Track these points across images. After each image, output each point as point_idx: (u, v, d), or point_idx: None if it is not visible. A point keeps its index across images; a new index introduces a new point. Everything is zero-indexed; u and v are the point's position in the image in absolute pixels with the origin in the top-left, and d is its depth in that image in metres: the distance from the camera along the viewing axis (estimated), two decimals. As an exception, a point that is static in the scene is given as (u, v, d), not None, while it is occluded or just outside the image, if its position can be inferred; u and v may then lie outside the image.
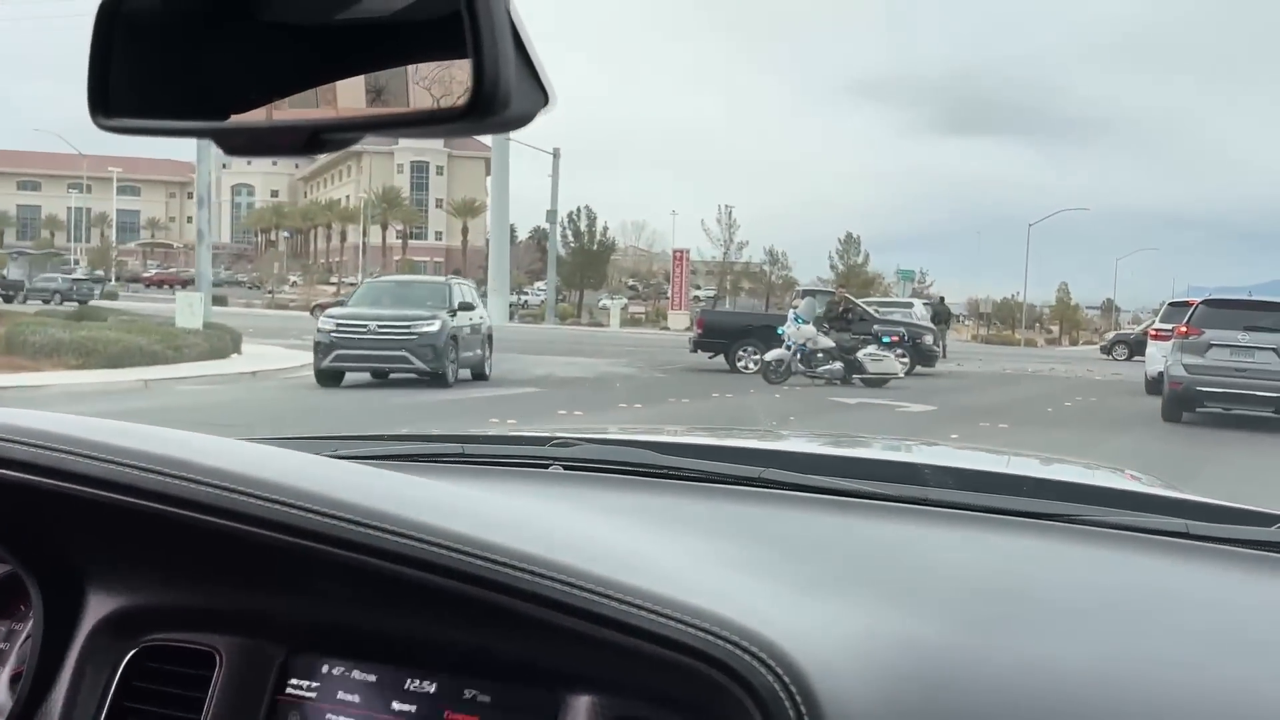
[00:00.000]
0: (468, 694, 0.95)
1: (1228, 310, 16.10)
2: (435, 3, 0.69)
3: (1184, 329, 15.87)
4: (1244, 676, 0.93)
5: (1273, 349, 15.29)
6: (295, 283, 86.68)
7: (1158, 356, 18.59)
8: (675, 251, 63.52)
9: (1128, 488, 1.77)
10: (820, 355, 20.13)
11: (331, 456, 1.36)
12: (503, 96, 0.66)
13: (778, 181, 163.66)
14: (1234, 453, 13.05)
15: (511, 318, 62.13)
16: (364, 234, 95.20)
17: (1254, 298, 18.72)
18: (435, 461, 1.58)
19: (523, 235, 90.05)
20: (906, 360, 23.95)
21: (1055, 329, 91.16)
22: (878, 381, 19.80)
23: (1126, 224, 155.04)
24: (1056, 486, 1.62)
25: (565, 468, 1.55)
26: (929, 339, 24.79)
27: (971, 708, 0.84)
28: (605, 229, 71.86)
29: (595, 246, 71.28)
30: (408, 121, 0.72)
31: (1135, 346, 41.76)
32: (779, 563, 1.10)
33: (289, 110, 0.76)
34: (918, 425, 14.20)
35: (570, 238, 71.33)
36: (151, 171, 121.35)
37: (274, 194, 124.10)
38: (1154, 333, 20.99)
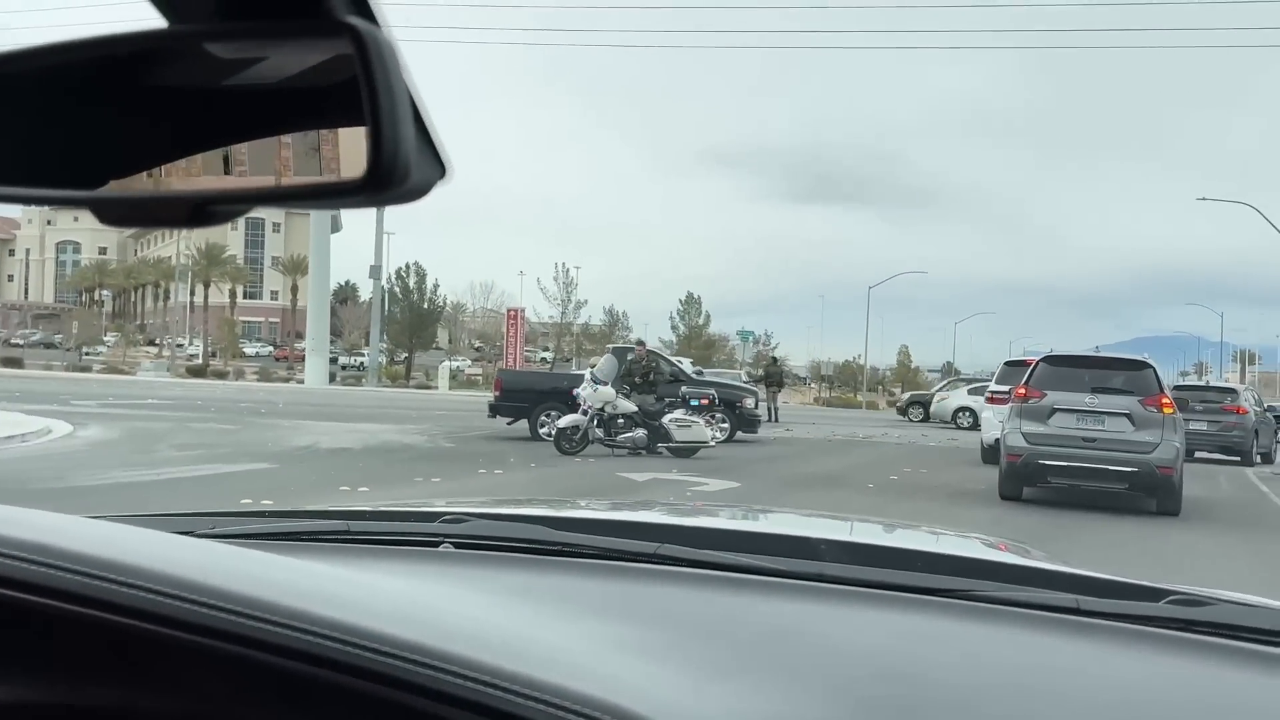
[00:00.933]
0: None
1: (1072, 369, 13.74)
2: (329, 70, 0.66)
3: (1023, 390, 13.58)
4: None
5: (1125, 414, 12.97)
6: (109, 344, 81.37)
7: (994, 422, 16.45)
8: (509, 311, 60.69)
9: (1019, 563, 1.76)
10: (621, 421, 17.52)
11: (207, 535, 1.38)
12: (402, 169, 0.63)
13: (630, 246, 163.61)
14: (1087, 537, 10.82)
15: (333, 380, 58.51)
16: (190, 293, 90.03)
17: (1102, 354, 16.16)
18: (319, 540, 1.53)
19: (366, 295, 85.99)
20: (726, 426, 21.67)
21: (898, 391, 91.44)
22: (686, 451, 17.24)
23: (965, 289, 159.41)
24: (949, 561, 1.70)
25: (455, 545, 1.52)
26: (750, 402, 22.44)
27: None
28: (436, 287, 68.66)
29: (425, 305, 67.88)
30: (300, 194, 0.69)
31: (928, 407, 41.44)
32: (675, 645, 1.09)
33: (172, 180, 0.71)
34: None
35: (399, 296, 67.88)
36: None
37: (102, 251, 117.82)
38: (990, 396, 18.91)
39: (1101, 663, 1.19)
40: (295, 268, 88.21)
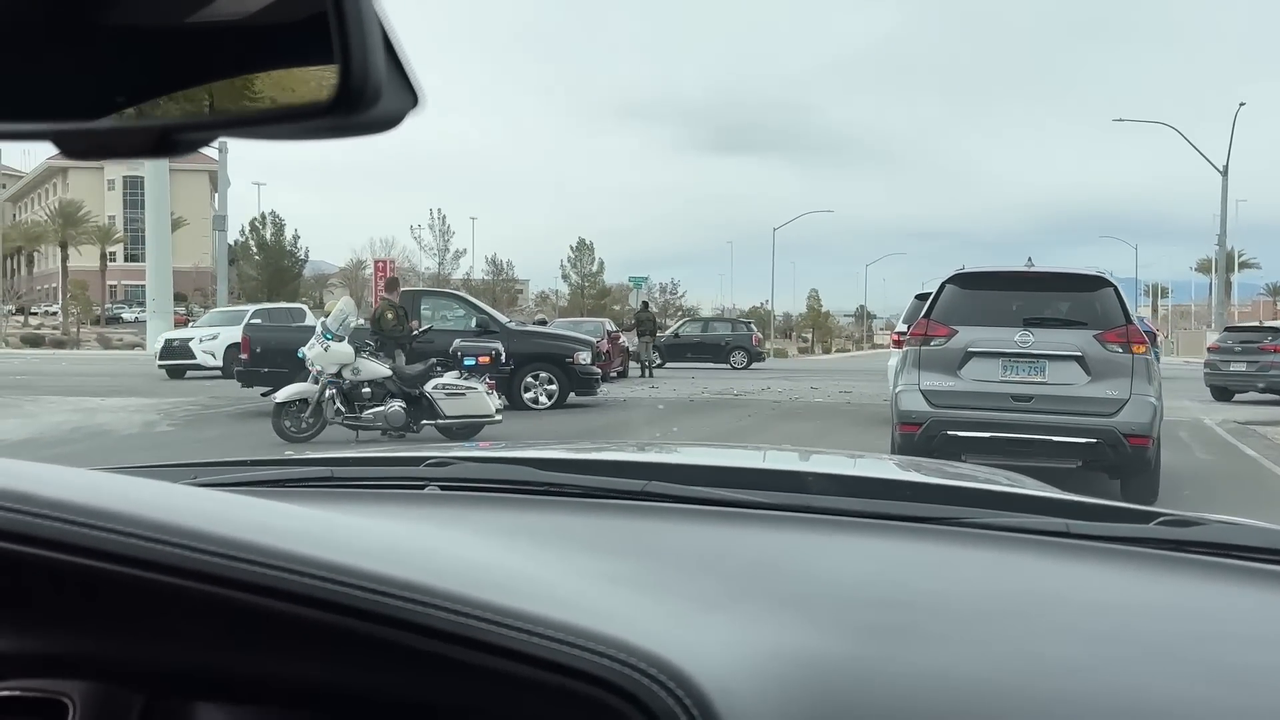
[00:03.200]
0: None
1: (995, 291, 9.13)
2: (298, 5, 0.65)
3: (921, 327, 9.11)
4: (1132, 678, 0.94)
5: (1075, 357, 8.56)
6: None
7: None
8: (376, 263, 54.93)
9: (1008, 490, 1.74)
10: (368, 391, 12.44)
11: (190, 484, 1.32)
12: (371, 92, 0.62)
13: (542, 202, 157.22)
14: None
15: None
16: (63, 258, 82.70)
17: (1036, 269, 10.06)
18: (302, 486, 1.50)
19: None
20: (554, 389, 16.75)
21: (809, 337, 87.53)
22: (461, 430, 12.25)
23: (876, 235, 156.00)
24: (938, 490, 1.70)
25: (442, 488, 1.49)
26: (584, 357, 17.43)
27: (869, 718, 0.83)
28: (296, 239, 62.31)
29: (285, 260, 61.54)
30: (266, 119, 0.67)
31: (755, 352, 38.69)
32: (669, 579, 1.08)
33: (137, 111, 0.71)
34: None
35: (254, 250, 61.59)
36: None
37: None
38: (896, 338, 14.06)
39: (1094, 583, 1.19)
40: (174, 226, 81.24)
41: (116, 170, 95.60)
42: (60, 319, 71.01)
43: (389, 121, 0.64)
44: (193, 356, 25.67)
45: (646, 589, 1.01)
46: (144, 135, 0.68)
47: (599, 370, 18.14)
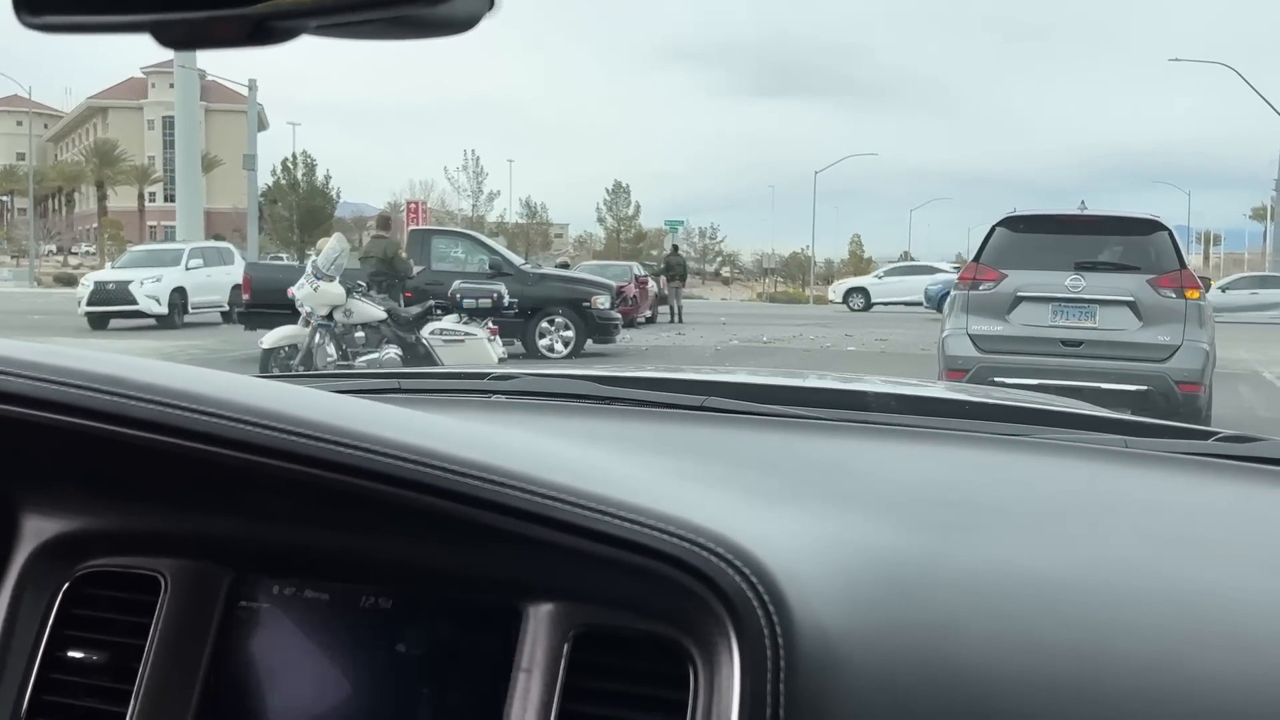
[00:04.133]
0: (425, 608, 0.93)
1: (1046, 235, 8.71)
2: None
3: (971, 271, 8.94)
4: (1192, 572, 0.94)
5: (1127, 302, 8.27)
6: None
7: None
8: (409, 203, 54.20)
9: (1066, 409, 1.71)
10: (361, 335, 11.60)
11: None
12: None
13: (585, 148, 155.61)
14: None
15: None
16: (100, 198, 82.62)
17: (1088, 212, 9.18)
18: (371, 394, 1.45)
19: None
20: (570, 335, 15.90)
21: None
22: (461, 378, 11.41)
23: (922, 180, 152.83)
24: (996, 409, 1.66)
25: (507, 398, 1.52)
26: (602, 301, 16.50)
27: (931, 606, 0.84)
28: (328, 179, 61.47)
29: (317, 200, 60.81)
30: (358, 5, 0.67)
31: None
32: (731, 477, 1.09)
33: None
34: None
35: (286, 190, 60.94)
36: None
37: (20, 157, 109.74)
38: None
39: (1154, 488, 1.20)
40: (206, 167, 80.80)
41: (156, 110, 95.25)
42: (98, 259, 70.98)
43: (468, 21, 0.66)
44: (132, 301, 22.46)
45: (712, 484, 1.03)
46: (239, 24, 0.68)
47: (619, 315, 17.20)
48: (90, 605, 1.02)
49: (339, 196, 64.01)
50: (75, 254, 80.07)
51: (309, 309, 11.33)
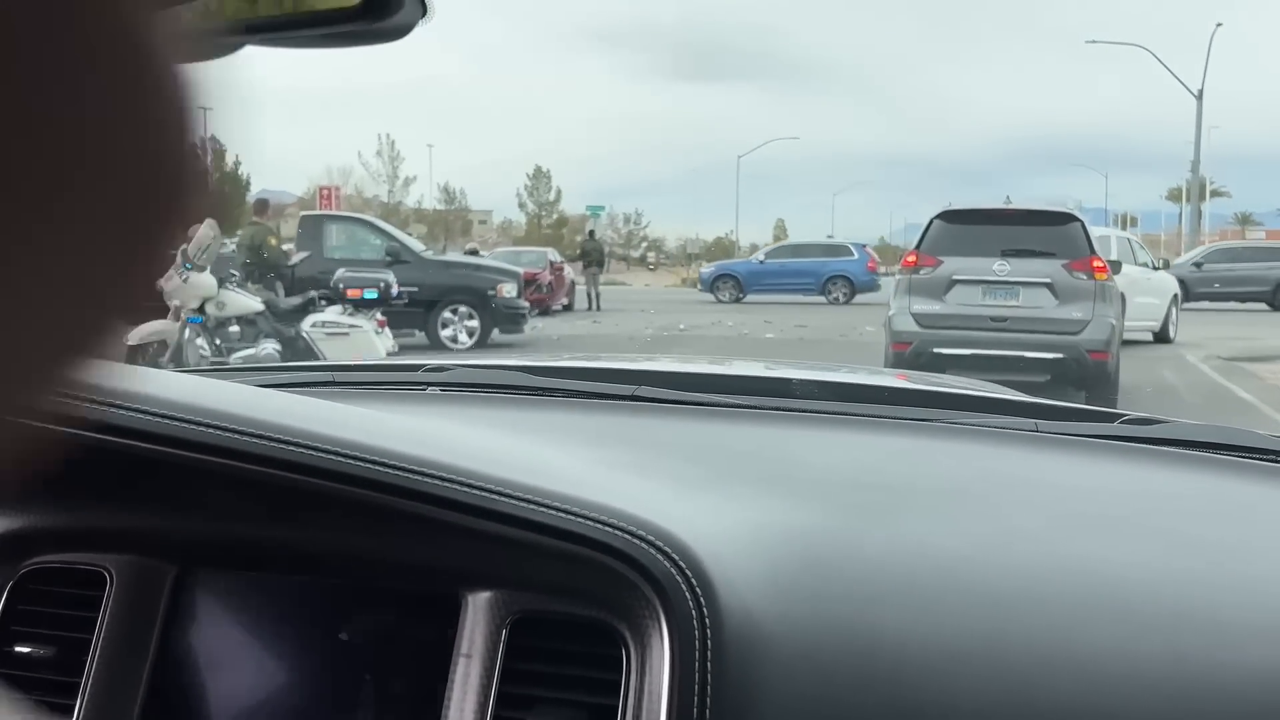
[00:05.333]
0: (367, 597, 0.95)
1: (977, 227, 10.29)
2: None
3: (912, 258, 10.49)
4: (1090, 547, 0.98)
5: (1045, 283, 9.81)
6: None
7: None
8: (321, 190, 52.67)
9: (981, 394, 1.78)
10: (236, 330, 10.69)
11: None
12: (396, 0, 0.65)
13: (505, 132, 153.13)
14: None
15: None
16: None
17: (1013, 207, 11.30)
18: (306, 388, 1.47)
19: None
20: (475, 325, 15.09)
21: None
22: (346, 375, 10.54)
23: (844, 164, 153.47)
24: (915, 394, 1.75)
25: (442, 390, 1.54)
26: (508, 289, 15.68)
27: (848, 583, 0.88)
28: (237, 164, 59.67)
29: (226, 186, 58.92)
30: (295, 24, 0.70)
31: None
32: (661, 465, 1.12)
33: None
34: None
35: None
36: None
37: None
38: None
39: (1059, 469, 1.24)
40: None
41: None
42: None
43: (402, 30, 0.67)
44: None
45: (641, 473, 1.06)
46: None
47: (526, 304, 16.37)
48: (37, 601, 1.03)
49: (249, 183, 62.26)
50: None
51: (178, 302, 10.39)
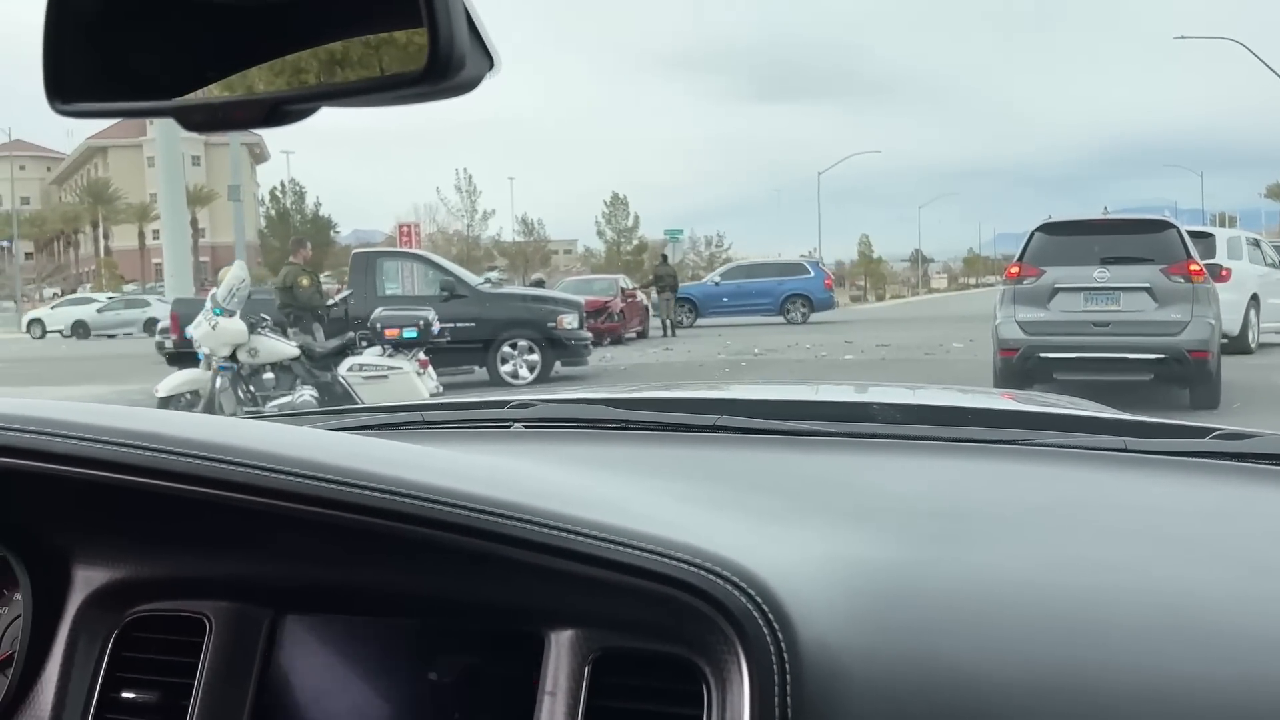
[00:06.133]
0: (452, 637, 0.97)
1: (1076, 237, 10.74)
2: None
3: (1015, 268, 10.90)
4: (1183, 574, 0.96)
5: (1144, 288, 10.16)
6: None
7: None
8: (400, 227, 52.83)
9: (1067, 412, 1.76)
10: (270, 377, 10.10)
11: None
12: (457, 60, 0.67)
13: (590, 162, 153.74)
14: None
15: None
16: (103, 236, 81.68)
17: (1111, 216, 12.64)
18: (396, 429, 1.56)
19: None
20: (535, 359, 14.46)
21: (862, 284, 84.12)
22: (388, 420, 9.86)
23: (929, 177, 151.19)
24: (999, 415, 1.71)
25: (526, 426, 1.55)
26: (570, 320, 14.98)
27: (925, 615, 0.87)
28: (318, 207, 60.22)
29: (307, 227, 59.28)
30: (366, 89, 0.73)
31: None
32: (738, 498, 1.13)
33: (248, 83, 0.76)
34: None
35: (276, 220, 59.64)
36: None
37: (24, 200, 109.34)
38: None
39: (1148, 491, 1.21)
40: (198, 200, 79.58)
41: (155, 148, 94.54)
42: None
43: (470, 85, 0.69)
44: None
45: (716, 507, 1.06)
46: (256, 107, 0.72)
47: (588, 335, 15.62)
48: (141, 648, 1.07)
49: (335, 224, 62.71)
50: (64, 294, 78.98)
51: (208, 349, 9.86)
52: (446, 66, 0.66)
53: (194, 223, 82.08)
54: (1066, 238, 10.77)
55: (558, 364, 14.81)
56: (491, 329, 14.46)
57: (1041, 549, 1.00)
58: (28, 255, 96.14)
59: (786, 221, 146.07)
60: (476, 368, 14.83)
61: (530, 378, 14.39)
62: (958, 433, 1.41)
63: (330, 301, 12.02)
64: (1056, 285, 10.39)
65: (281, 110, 0.71)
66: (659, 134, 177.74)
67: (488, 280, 17.73)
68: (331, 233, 64.37)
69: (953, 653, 0.83)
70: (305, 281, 11.86)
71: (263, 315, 10.25)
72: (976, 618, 0.86)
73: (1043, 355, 10.26)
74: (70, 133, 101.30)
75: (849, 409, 1.75)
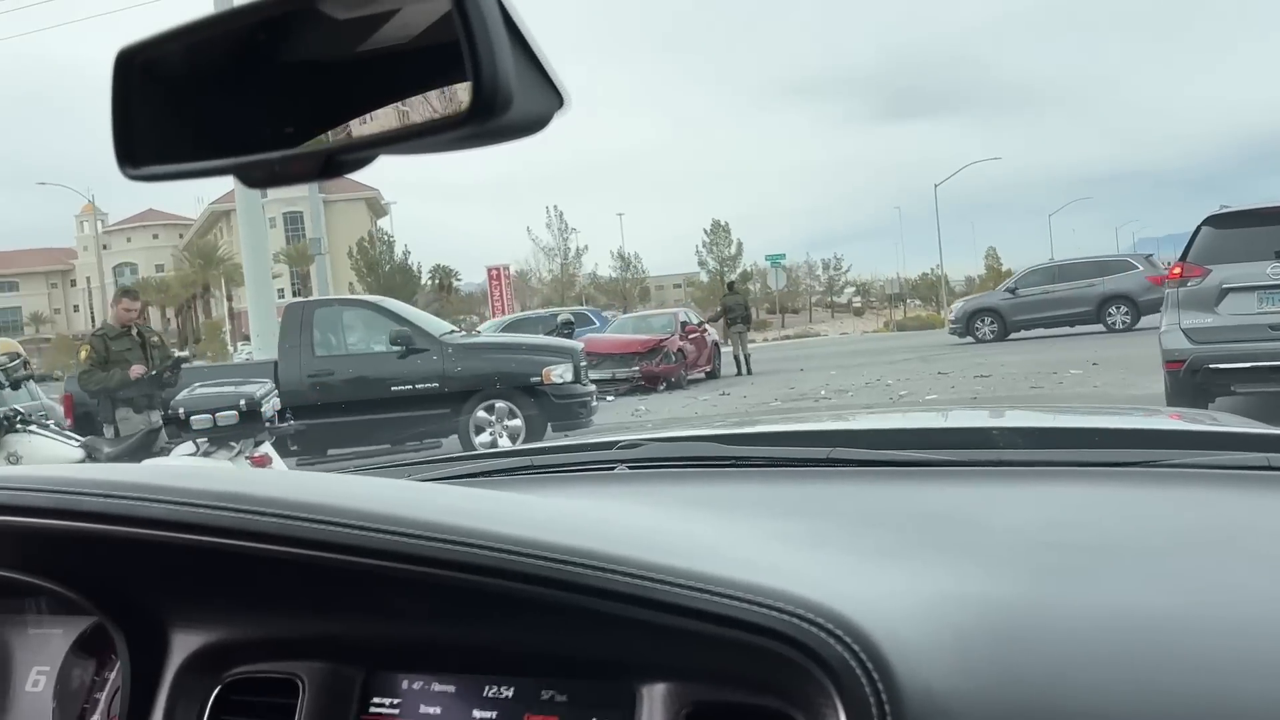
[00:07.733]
0: (545, 694, 0.96)
1: (1247, 229, 9.08)
2: (439, 29, 0.70)
3: (1178, 269, 9.37)
4: None
5: None
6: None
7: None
8: (490, 270, 50.47)
9: (1204, 429, 1.68)
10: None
11: (415, 479, 1.48)
12: (503, 98, 0.65)
13: (707, 194, 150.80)
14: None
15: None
16: (226, 298, 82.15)
17: None
18: (504, 475, 1.57)
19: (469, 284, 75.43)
20: (517, 423, 11.34)
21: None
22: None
23: (1056, 184, 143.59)
24: (1130, 435, 1.63)
25: (631, 468, 1.54)
26: (562, 372, 11.68)
27: (1041, 655, 0.81)
28: (407, 255, 58.45)
29: (397, 278, 57.56)
30: (413, 134, 0.72)
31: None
32: (846, 536, 1.09)
33: (303, 139, 0.77)
34: None
35: (364, 269, 58.03)
36: (29, 264, 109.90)
37: (159, 268, 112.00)
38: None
39: None
40: (298, 258, 78.99)
41: (276, 208, 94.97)
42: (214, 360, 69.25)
43: (532, 125, 0.67)
44: None
45: (818, 545, 1.03)
46: (312, 160, 0.73)
47: (589, 389, 12.24)
48: (237, 711, 1.06)
49: (421, 271, 60.95)
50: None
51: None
52: (491, 106, 0.65)
53: (305, 277, 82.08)
54: (1236, 230, 9.43)
55: (549, 427, 11.54)
56: (460, 386, 11.33)
57: (1173, 579, 0.94)
58: (167, 321, 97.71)
59: (911, 240, 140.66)
60: (443, 441, 11.70)
61: (511, 448, 11.13)
62: (1084, 455, 1.37)
63: (165, 363, 8.74)
64: (1225, 285, 9.15)
65: (337, 161, 0.72)
66: (776, 161, 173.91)
67: (459, 329, 14.47)
68: (454, 281, 62.67)
69: (1072, 696, 0.76)
70: (84, 354, 8.70)
71: (15, 409, 7.15)
72: (1099, 658, 0.80)
73: (1212, 367, 9.04)
74: (200, 199, 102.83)
75: (968, 435, 1.68)
